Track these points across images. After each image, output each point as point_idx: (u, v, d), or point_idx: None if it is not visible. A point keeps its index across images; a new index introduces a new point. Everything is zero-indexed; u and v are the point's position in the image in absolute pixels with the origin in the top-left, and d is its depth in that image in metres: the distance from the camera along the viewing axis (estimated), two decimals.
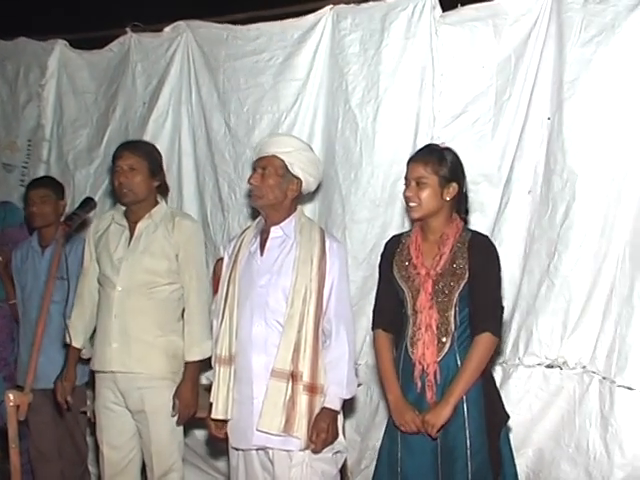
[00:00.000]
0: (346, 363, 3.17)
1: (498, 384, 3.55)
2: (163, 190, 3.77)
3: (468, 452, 2.99)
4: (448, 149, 3.19)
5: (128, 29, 4.79)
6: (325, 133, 4.24)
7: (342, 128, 4.13)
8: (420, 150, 3.25)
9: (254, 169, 3.26)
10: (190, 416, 3.55)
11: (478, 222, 3.63)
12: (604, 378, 3.46)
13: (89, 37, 5.02)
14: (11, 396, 2.69)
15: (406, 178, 3.17)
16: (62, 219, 3.34)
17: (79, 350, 3.75)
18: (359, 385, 4.07)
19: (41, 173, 5.06)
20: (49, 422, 4.21)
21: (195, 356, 3.53)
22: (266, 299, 3.16)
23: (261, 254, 3.23)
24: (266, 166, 3.21)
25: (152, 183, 3.65)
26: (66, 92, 5.06)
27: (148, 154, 3.66)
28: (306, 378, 3.11)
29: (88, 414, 3.95)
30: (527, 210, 3.72)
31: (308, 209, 4.22)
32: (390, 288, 3.23)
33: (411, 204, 3.12)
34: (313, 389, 3.12)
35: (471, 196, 3.62)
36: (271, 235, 3.24)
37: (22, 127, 5.32)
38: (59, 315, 3.70)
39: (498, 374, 3.66)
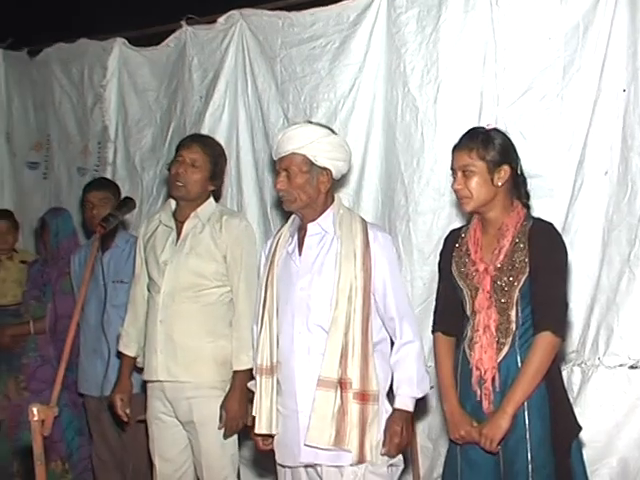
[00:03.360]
0: (414, 360, 2.91)
1: (577, 387, 3.29)
2: (216, 196, 3.58)
3: (530, 467, 2.66)
4: (495, 130, 2.88)
5: (183, 22, 4.65)
6: (385, 119, 3.96)
7: (402, 113, 3.85)
8: (463, 136, 2.91)
9: (277, 172, 2.99)
10: (238, 429, 3.34)
11: (548, 209, 3.29)
12: None
13: (145, 34, 4.92)
14: (35, 410, 2.51)
15: (452, 169, 2.87)
16: (98, 220, 3.19)
17: (133, 359, 3.58)
18: (430, 387, 3.82)
19: (108, 175, 4.97)
20: (110, 430, 4.10)
21: (243, 365, 3.28)
22: (307, 302, 2.91)
23: (299, 253, 2.98)
24: (288, 166, 2.93)
25: (208, 186, 3.45)
26: (128, 91, 4.97)
27: (215, 155, 3.48)
28: (356, 385, 2.84)
29: None
30: (604, 193, 3.38)
31: (371, 200, 4.03)
32: (450, 287, 2.95)
33: (461, 196, 2.83)
34: (364, 397, 2.85)
35: (539, 181, 3.33)
36: (309, 232, 2.98)
37: (92, 130, 5.25)
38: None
39: (577, 376, 3.35)
